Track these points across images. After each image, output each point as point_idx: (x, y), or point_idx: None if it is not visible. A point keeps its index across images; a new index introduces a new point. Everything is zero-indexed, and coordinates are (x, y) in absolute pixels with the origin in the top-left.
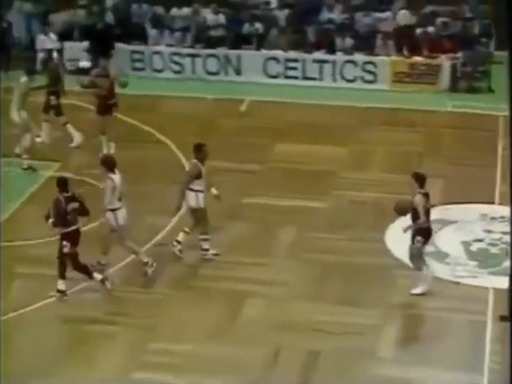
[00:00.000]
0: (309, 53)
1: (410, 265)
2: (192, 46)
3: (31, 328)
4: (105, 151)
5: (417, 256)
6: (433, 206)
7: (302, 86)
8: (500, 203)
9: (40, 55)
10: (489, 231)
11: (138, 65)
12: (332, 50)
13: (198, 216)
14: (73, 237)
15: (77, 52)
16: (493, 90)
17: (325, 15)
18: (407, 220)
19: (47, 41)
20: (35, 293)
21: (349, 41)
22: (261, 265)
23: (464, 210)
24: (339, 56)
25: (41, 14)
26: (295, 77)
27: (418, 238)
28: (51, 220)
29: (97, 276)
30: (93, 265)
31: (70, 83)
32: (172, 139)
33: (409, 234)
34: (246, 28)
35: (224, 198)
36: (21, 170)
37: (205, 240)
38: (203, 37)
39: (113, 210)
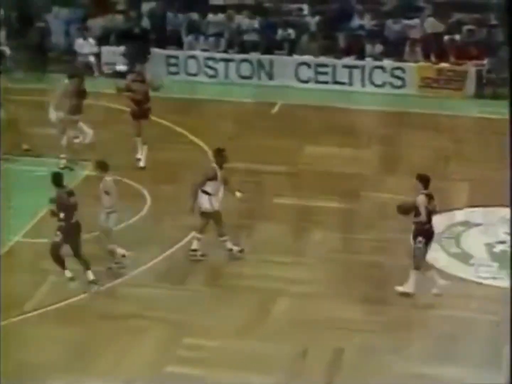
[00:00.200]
0: (339, 59)
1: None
2: (226, 51)
3: (66, 322)
4: (139, 153)
5: (418, 256)
6: (436, 210)
7: (332, 91)
8: None
9: (79, 59)
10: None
11: (173, 69)
12: (361, 56)
13: (212, 218)
14: (69, 230)
15: (114, 56)
16: None
17: (355, 21)
18: None
19: (85, 45)
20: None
21: (378, 47)
22: (290, 264)
23: (488, 213)
24: (369, 62)
25: (79, 19)
26: (325, 82)
27: (420, 238)
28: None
29: (90, 275)
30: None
31: (107, 87)
32: (204, 141)
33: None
34: (279, 34)
35: (255, 199)
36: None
37: (225, 241)
38: (237, 42)
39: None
